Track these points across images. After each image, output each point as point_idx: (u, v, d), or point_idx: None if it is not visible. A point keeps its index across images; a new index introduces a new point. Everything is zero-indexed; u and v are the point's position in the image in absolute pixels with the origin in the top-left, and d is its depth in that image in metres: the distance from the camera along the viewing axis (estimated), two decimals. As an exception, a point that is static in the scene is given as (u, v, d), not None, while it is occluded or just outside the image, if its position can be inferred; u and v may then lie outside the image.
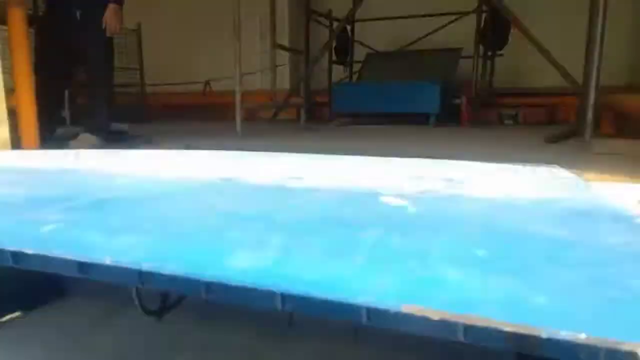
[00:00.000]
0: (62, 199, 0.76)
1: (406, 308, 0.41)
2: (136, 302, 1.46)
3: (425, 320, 0.43)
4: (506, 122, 5.44)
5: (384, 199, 0.79)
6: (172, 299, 1.54)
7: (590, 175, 2.05)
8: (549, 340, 0.37)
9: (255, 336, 1.38)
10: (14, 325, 1.56)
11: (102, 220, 0.64)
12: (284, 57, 6.28)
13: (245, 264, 0.50)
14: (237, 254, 0.52)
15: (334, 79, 6.31)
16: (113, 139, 3.50)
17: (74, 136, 3.26)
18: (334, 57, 6.40)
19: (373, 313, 0.43)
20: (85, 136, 3.23)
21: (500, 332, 0.39)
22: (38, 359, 1.26)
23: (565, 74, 4.02)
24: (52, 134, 3.44)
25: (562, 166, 2.20)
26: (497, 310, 0.40)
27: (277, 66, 5.68)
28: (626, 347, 0.36)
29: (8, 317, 1.63)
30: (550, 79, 4.82)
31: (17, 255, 0.58)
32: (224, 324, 1.43)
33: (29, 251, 0.57)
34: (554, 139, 3.26)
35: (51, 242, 0.58)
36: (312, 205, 0.76)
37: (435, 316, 0.40)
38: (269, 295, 0.46)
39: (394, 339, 1.32)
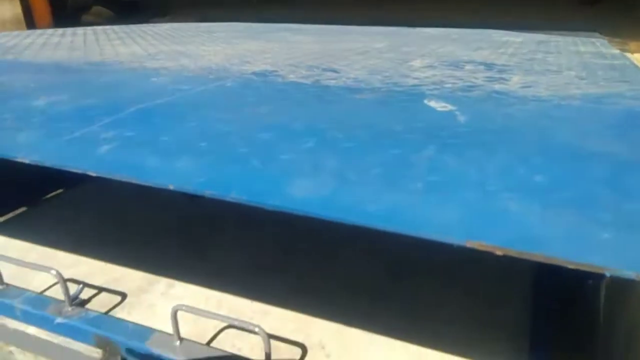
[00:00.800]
0: (107, 111, 0.76)
1: (470, 243, 0.43)
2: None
3: (487, 254, 0.45)
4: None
5: (429, 103, 0.77)
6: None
7: (635, 45, 1.94)
8: (611, 278, 0.39)
9: (285, 214, 1.45)
10: (59, 202, 1.66)
11: (154, 138, 0.65)
12: None
13: (305, 193, 0.51)
14: (295, 181, 0.53)
15: None
16: (125, 10, 3.36)
17: (87, 9, 3.13)
18: None
19: (439, 243, 0.45)
20: (98, 9, 3.10)
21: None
22: (84, 233, 1.37)
23: None
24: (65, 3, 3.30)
25: (603, 34, 2.08)
26: (560, 246, 0.41)
27: None
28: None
29: (51, 194, 1.74)
30: None
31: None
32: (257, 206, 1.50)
33: (93, 174, 0.59)
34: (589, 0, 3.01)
35: (112, 165, 0.60)
36: (358, 113, 0.75)
37: (498, 252, 0.42)
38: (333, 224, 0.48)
39: None
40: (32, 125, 0.72)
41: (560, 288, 1.11)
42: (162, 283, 1.15)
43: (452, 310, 1.03)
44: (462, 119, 0.69)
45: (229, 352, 0.88)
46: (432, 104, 0.77)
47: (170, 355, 0.89)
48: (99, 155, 0.62)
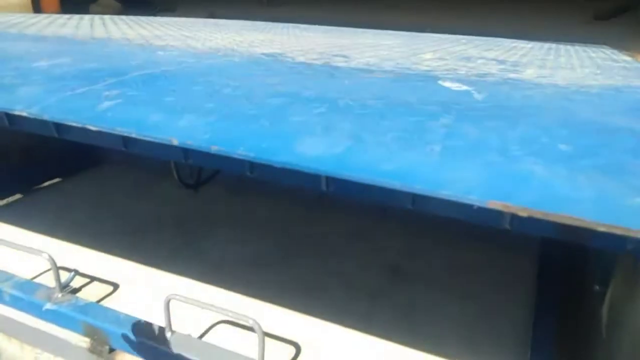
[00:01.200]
0: (110, 73, 0.74)
1: (492, 204, 0.40)
2: (175, 175, 1.50)
3: (510, 216, 0.43)
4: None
5: (443, 83, 0.75)
6: (206, 173, 1.57)
7: (643, 58, 1.92)
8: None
9: (288, 209, 1.43)
10: (55, 191, 1.63)
11: (158, 98, 0.62)
12: None
13: (317, 151, 0.48)
14: (306, 140, 0.50)
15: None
16: (133, 3, 3.35)
17: (95, 0, 3.12)
18: None
19: (456, 207, 0.42)
20: (106, 1, 3.09)
21: (592, 232, 0.38)
22: (79, 222, 1.33)
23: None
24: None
25: (612, 47, 2.07)
26: (589, 209, 0.39)
27: None
28: None
29: (48, 182, 1.70)
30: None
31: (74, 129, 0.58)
32: (256, 198, 1.48)
33: (92, 128, 0.56)
34: (605, 15, 3.01)
35: (113, 120, 0.57)
36: (371, 87, 0.72)
37: (523, 213, 0.40)
38: (346, 184, 0.45)
39: (420, 216, 1.35)
40: (32, 82, 0.69)
41: (563, 295, 1.08)
42: (156, 276, 1.12)
43: (452, 316, 1.00)
44: (479, 96, 0.67)
45: (222, 347, 0.85)
46: (447, 84, 0.74)
47: (161, 346, 0.85)
48: (99, 110, 0.59)
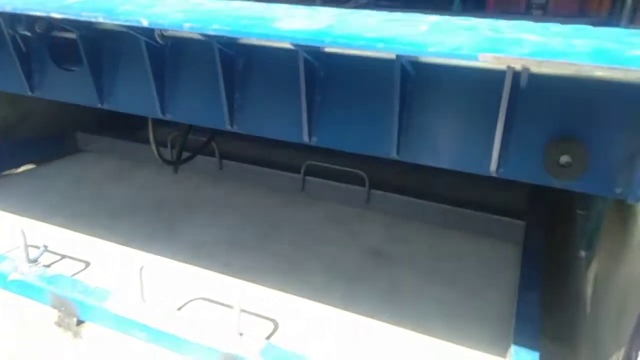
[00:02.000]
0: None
1: (483, 57, 0.38)
2: (154, 151, 1.44)
3: (502, 71, 0.40)
4: (534, 12, 5.12)
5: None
6: (185, 155, 1.52)
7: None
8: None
9: (269, 196, 1.39)
10: (30, 176, 1.57)
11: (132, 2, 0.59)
12: None
13: (297, 26, 0.45)
14: (285, 20, 0.47)
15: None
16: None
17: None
18: None
19: (444, 69, 0.39)
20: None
21: (588, 80, 0.35)
22: (55, 206, 1.27)
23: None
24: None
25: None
26: (587, 57, 0.36)
27: None
28: None
29: (23, 168, 1.64)
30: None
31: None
32: (236, 185, 1.44)
33: (57, 16, 0.53)
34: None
35: (80, 9, 0.53)
36: (360, 9, 0.70)
37: (516, 64, 0.37)
38: (317, 54, 0.42)
39: (403, 203, 1.32)
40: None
41: (547, 269, 1.05)
42: (131, 255, 1.05)
43: (433, 297, 0.97)
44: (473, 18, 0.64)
45: (197, 320, 0.80)
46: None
47: (133, 317, 0.79)
48: (66, 3, 0.55)
